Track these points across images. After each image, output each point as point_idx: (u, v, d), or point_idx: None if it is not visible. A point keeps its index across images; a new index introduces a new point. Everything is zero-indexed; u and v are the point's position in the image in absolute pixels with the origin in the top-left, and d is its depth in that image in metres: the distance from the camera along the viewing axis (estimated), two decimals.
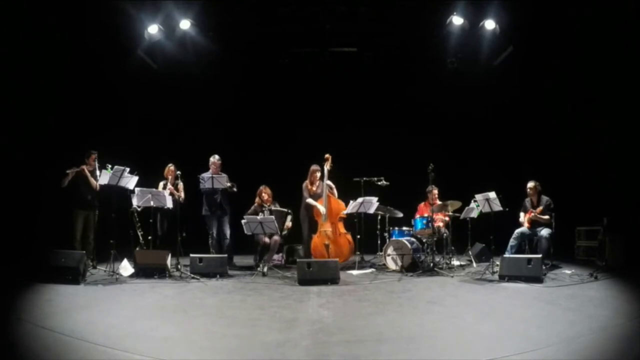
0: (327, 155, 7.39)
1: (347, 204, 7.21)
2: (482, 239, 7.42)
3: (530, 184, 7.02)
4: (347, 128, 9.51)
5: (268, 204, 7.20)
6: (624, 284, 5.31)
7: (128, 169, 6.22)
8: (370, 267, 7.18)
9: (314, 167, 7.39)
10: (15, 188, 6.62)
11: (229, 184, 7.12)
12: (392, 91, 9.66)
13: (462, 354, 3.19)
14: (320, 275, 5.75)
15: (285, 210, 7.24)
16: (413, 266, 6.78)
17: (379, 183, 7.41)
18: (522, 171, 7.76)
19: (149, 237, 6.84)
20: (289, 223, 7.24)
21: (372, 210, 7.17)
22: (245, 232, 6.42)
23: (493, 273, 5.93)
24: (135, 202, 6.67)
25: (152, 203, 6.41)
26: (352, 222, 7.35)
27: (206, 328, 3.86)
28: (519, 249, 6.88)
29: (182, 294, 5.19)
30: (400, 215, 7.75)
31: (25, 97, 6.89)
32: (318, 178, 7.37)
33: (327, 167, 7.35)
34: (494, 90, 8.85)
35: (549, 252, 6.68)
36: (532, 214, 6.85)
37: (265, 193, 7.23)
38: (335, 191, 7.45)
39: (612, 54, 7.03)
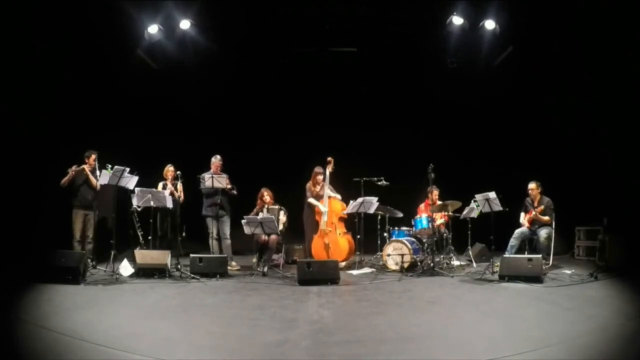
0: (329, 158, 7.42)
1: (347, 204, 7.23)
2: (482, 239, 7.42)
3: (532, 185, 7.04)
4: (346, 128, 9.50)
5: (269, 205, 7.21)
6: (624, 284, 5.31)
7: (128, 169, 6.23)
8: (370, 267, 7.19)
9: (318, 169, 7.42)
10: (15, 188, 6.62)
11: (229, 186, 7.13)
12: (392, 91, 9.66)
13: (462, 354, 3.18)
14: (320, 275, 5.75)
15: (277, 206, 7.25)
16: (413, 266, 6.79)
17: (379, 183, 7.42)
18: (522, 171, 7.77)
19: (149, 237, 6.85)
20: (283, 218, 7.26)
21: (372, 210, 7.18)
22: (246, 232, 6.43)
23: (493, 273, 5.93)
24: (135, 202, 6.67)
25: (152, 203, 6.42)
26: (352, 222, 7.37)
27: (206, 328, 3.86)
28: (519, 249, 6.89)
29: (182, 294, 5.19)
30: (400, 215, 7.77)
31: (26, 96, 6.89)
32: (321, 180, 7.39)
33: (329, 169, 7.38)
34: (493, 90, 8.85)
35: (549, 251, 6.69)
36: (533, 213, 6.87)
37: (267, 195, 7.24)
38: (338, 196, 7.49)
39: (612, 53, 7.02)
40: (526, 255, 5.96)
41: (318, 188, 7.45)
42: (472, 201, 6.92)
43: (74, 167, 6.69)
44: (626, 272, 5.85)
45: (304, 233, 7.62)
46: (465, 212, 7.20)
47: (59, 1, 6.67)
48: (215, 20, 8.11)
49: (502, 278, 5.63)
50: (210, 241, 7.18)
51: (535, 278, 5.46)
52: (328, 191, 7.39)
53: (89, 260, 6.17)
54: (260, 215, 6.81)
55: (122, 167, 6.16)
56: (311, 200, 7.43)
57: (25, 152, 6.81)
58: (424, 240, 7.40)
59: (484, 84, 8.82)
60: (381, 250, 7.29)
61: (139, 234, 7.26)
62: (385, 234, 7.65)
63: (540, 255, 5.80)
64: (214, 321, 4.08)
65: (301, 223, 7.65)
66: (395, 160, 8.89)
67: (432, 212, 7.09)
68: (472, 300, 4.87)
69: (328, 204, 7.35)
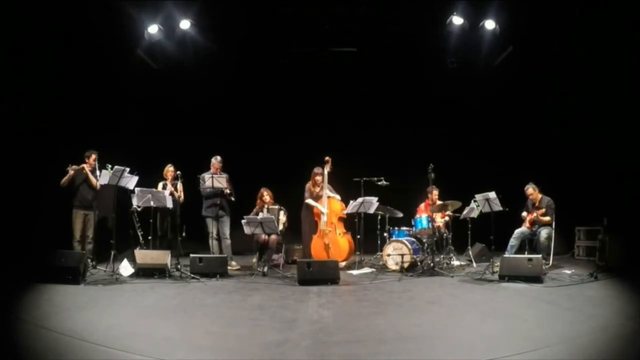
0: (327, 158, 7.42)
1: (347, 204, 7.23)
2: (482, 239, 7.42)
3: (530, 190, 7.05)
4: (347, 128, 9.51)
5: (269, 206, 7.21)
6: (624, 284, 5.31)
7: (128, 169, 6.23)
8: (370, 267, 7.18)
9: (317, 169, 7.42)
10: (15, 188, 6.62)
11: (228, 190, 7.13)
12: (392, 91, 9.65)
13: (462, 354, 3.18)
14: (320, 275, 5.75)
15: (277, 206, 7.26)
16: (413, 266, 6.79)
17: (379, 183, 7.42)
18: (522, 171, 7.77)
19: (149, 237, 6.85)
20: (282, 218, 7.26)
21: (372, 210, 7.18)
22: (246, 232, 6.43)
23: (493, 273, 5.93)
24: (135, 202, 6.68)
25: (152, 203, 6.42)
26: (352, 222, 7.37)
27: (206, 328, 3.87)
28: (519, 249, 6.89)
29: (182, 294, 5.19)
30: (400, 215, 7.77)
31: (26, 96, 6.89)
32: (321, 181, 7.40)
33: (327, 169, 7.39)
34: (494, 90, 8.85)
35: (549, 251, 6.69)
36: (534, 215, 6.87)
37: (267, 195, 7.24)
38: (337, 196, 7.49)
39: (612, 52, 7.03)
40: (526, 255, 5.96)
41: (318, 189, 7.45)
42: (472, 201, 6.92)
43: (73, 166, 6.69)
44: (626, 272, 5.85)
45: (301, 233, 7.62)
46: (465, 212, 7.19)
47: (59, 1, 6.67)
48: (215, 20, 8.11)
49: (502, 278, 5.63)
50: (210, 241, 7.18)
51: (535, 278, 5.46)
52: (327, 191, 7.39)
53: (89, 260, 6.17)
54: (260, 215, 6.81)
55: (122, 167, 6.16)
56: (309, 201, 7.43)
57: (25, 152, 6.82)
58: (424, 240, 7.40)
59: (484, 84, 8.82)
60: (381, 250, 7.29)
61: (139, 234, 7.26)
62: (385, 234, 7.64)
63: (540, 255, 5.80)
64: (214, 321, 4.08)
65: (300, 223, 7.65)
66: (395, 160, 8.88)
67: (432, 212, 7.09)
68: (472, 300, 4.87)
69: (327, 204, 7.34)
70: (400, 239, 7.03)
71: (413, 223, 7.52)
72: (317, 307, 4.55)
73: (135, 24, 7.69)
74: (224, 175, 7.19)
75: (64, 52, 7.18)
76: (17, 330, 3.64)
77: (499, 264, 5.81)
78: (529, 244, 7.02)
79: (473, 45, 8.32)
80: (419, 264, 6.86)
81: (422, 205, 7.71)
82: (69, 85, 7.43)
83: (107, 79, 7.86)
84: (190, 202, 7.46)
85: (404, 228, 7.58)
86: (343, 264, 7.13)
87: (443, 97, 9.18)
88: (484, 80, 8.80)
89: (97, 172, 6.68)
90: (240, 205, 7.33)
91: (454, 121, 9.42)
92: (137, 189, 6.43)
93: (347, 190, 7.65)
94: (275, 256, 7.22)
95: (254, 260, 7.06)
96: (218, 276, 6.08)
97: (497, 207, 6.36)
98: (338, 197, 7.49)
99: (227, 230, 7.25)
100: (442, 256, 7.08)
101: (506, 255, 6.26)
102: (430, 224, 7.11)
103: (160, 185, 7.20)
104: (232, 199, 7.26)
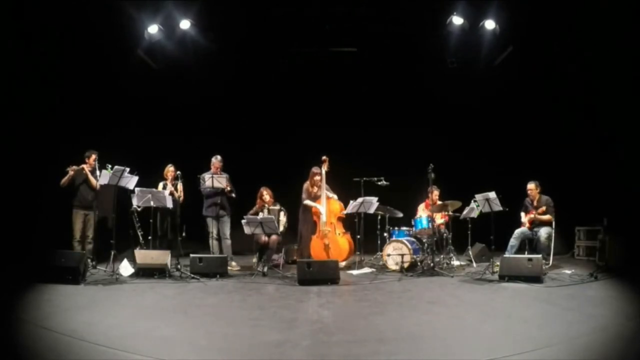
0: (324, 158, 7.42)
1: (347, 204, 7.23)
2: (482, 239, 7.42)
3: (531, 185, 7.05)
4: (346, 128, 9.50)
5: (269, 205, 7.21)
6: (624, 284, 5.31)
7: (128, 169, 6.23)
8: (370, 267, 7.18)
9: (315, 169, 7.42)
10: (15, 188, 6.62)
11: (228, 188, 7.13)
12: (392, 91, 9.66)
13: (462, 354, 3.19)
14: (320, 275, 5.75)
15: (278, 207, 7.26)
16: (413, 266, 6.79)
17: (379, 183, 7.42)
18: (522, 171, 7.77)
19: (149, 237, 6.85)
20: (283, 218, 7.26)
21: (372, 210, 7.19)
22: (246, 232, 6.43)
23: (493, 273, 5.93)
24: (135, 202, 6.68)
25: (152, 203, 6.42)
26: (352, 222, 7.37)
27: (206, 328, 3.86)
28: (519, 249, 6.89)
29: (182, 294, 5.19)
30: (400, 215, 7.77)
31: (26, 96, 6.89)
32: (319, 181, 7.39)
33: (324, 168, 7.38)
34: (494, 90, 8.85)
35: (549, 251, 6.69)
36: (533, 214, 6.87)
37: (267, 194, 7.24)
38: (335, 196, 7.48)
39: (612, 53, 7.02)
40: (526, 255, 5.96)
41: (316, 189, 7.44)
42: (472, 201, 6.92)
43: (73, 167, 6.70)
44: (626, 272, 5.85)
45: (298, 233, 7.61)
46: (465, 212, 7.20)
47: (59, 1, 6.67)
48: (215, 20, 8.10)
49: (502, 278, 5.63)
50: (210, 241, 7.18)
51: (535, 278, 5.46)
52: (325, 191, 7.37)
53: (89, 260, 6.18)
54: (260, 215, 6.81)
55: (122, 167, 6.16)
56: (307, 202, 7.41)
57: (25, 152, 6.82)
58: (424, 240, 7.40)
59: (484, 84, 8.82)
60: (381, 250, 7.28)
61: (139, 234, 7.26)
62: (385, 234, 7.64)
63: (540, 255, 5.80)
64: (214, 321, 4.08)
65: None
66: (395, 160, 8.87)
67: (432, 212, 7.09)
68: (472, 300, 4.87)
69: (326, 204, 7.33)
70: (400, 239, 7.03)
71: (413, 223, 7.52)
72: (317, 307, 4.55)
73: (135, 24, 7.69)
74: (224, 175, 7.20)
75: (64, 52, 7.18)
76: (17, 330, 3.64)
77: (499, 264, 5.80)
78: (529, 244, 7.02)
79: (473, 45, 8.32)
80: (419, 264, 6.86)
81: (422, 206, 7.71)
82: (69, 85, 7.43)
83: (107, 79, 7.86)
84: (190, 202, 7.46)
85: (404, 228, 7.58)
86: (343, 264, 7.13)
87: (443, 97, 9.17)
88: (484, 80, 8.79)
89: (97, 172, 6.68)
90: (241, 205, 7.33)
91: (454, 121, 9.42)
92: (137, 189, 6.43)
93: (347, 190, 7.65)
94: (275, 256, 7.21)
95: (254, 260, 7.06)
96: (218, 276, 6.08)
97: (497, 207, 6.37)
98: (335, 196, 7.47)
99: (227, 230, 7.24)
100: (442, 256, 7.08)
101: (506, 255, 6.26)
102: (430, 224, 7.11)
103: (161, 185, 7.20)
104: (233, 195, 7.25)
